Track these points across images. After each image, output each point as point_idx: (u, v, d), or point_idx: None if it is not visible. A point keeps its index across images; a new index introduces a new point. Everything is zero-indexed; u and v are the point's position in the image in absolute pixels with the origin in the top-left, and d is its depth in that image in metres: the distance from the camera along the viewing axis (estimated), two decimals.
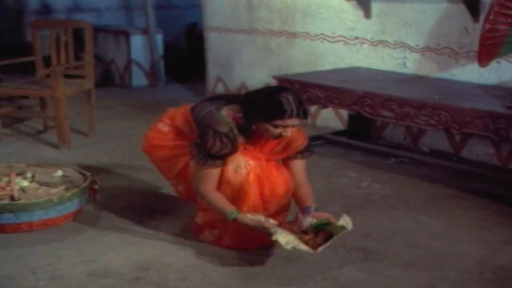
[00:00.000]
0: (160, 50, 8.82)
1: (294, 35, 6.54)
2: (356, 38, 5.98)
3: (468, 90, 4.81)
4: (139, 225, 3.84)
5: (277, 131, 3.24)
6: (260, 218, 3.20)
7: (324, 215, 3.24)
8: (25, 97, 6.70)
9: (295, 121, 3.21)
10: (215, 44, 7.50)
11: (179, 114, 3.64)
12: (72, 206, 3.74)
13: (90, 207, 4.06)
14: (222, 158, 3.31)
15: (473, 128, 4.20)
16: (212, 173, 3.33)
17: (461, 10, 5.13)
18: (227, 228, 3.44)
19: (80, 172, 4.13)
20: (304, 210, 3.33)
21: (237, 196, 3.36)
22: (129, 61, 8.71)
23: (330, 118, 6.29)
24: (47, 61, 6.00)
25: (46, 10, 9.38)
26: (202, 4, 7.53)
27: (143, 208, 4.15)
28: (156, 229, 3.78)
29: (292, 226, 3.22)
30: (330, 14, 6.16)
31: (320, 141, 5.64)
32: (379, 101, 4.67)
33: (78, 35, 6.11)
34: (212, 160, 3.29)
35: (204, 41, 7.70)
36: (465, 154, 5.28)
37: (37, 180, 4.05)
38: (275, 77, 5.49)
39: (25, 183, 3.98)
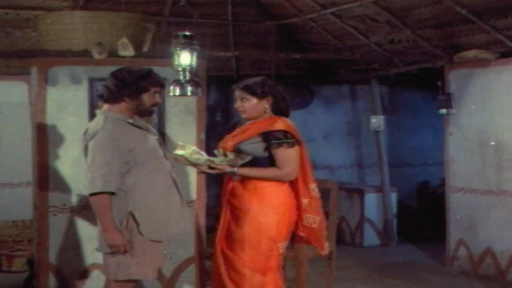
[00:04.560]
0: (393, 208, 8.57)
1: None
2: None
3: None
4: None
5: None
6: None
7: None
8: None
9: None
10: (458, 205, 7.10)
11: None
12: None
13: None
14: None
15: None
16: None
17: None
18: None
19: None
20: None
21: None
22: (362, 219, 8.52)
23: None
24: None
25: None
26: (446, 164, 7.25)
27: None
28: None
29: None
30: None
31: None
32: None
33: None
34: None
35: (439, 200, 7.45)
36: None
37: None
38: None
39: None
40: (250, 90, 4.07)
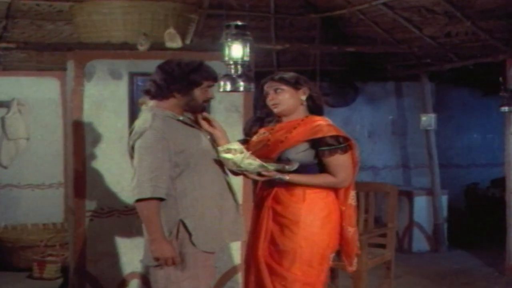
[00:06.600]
0: (444, 212, 8.16)
1: None
2: None
3: None
4: None
5: None
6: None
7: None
8: None
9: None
10: None
11: None
12: None
13: None
14: None
15: None
16: None
17: None
18: None
19: None
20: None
21: None
22: (411, 224, 8.10)
23: None
24: None
25: None
26: (507, 166, 6.81)
27: None
28: None
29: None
30: None
31: None
32: None
33: None
34: None
35: (489, 203, 7.20)
36: None
37: None
38: None
39: None
40: (285, 80, 3.73)
